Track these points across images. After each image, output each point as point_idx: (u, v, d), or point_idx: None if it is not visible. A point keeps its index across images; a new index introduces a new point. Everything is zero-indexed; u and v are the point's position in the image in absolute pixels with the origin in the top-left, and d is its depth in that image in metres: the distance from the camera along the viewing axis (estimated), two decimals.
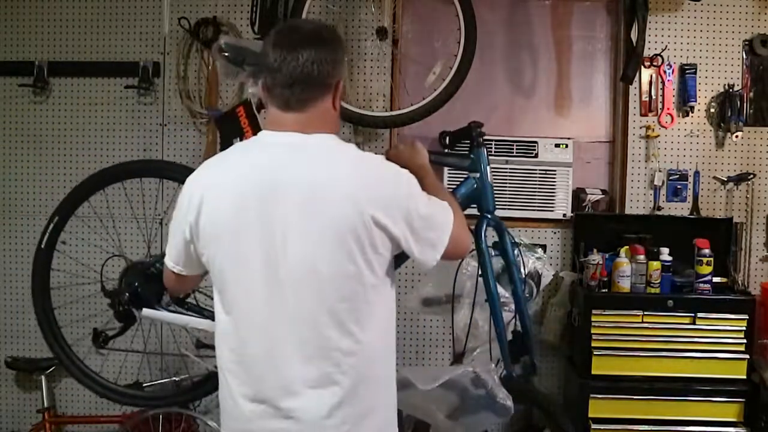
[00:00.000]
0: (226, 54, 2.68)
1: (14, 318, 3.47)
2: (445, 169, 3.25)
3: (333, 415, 1.65)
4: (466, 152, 2.54)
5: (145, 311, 2.58)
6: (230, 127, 2.71)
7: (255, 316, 1.66)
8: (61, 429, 3.43)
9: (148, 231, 3.05)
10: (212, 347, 2.72)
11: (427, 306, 2.87)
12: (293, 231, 1.61)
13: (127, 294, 2.60)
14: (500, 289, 2.60)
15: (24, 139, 3.46)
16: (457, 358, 2.77)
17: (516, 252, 2.66)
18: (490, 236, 2.55)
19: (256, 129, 2.68)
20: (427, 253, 1.71)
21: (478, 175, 2.49)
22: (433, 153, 2.77)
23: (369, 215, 1.60)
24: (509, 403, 2.39)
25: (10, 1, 3.43)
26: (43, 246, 2.73)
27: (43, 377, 3.30)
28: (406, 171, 1.73)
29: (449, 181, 3.26)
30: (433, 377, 2.38)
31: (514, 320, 2.59)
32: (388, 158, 1.84)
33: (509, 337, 2.58)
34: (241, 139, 2.68)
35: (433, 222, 1.71)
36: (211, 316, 2.62)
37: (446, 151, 2.65)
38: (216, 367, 2.62)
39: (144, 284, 2.60)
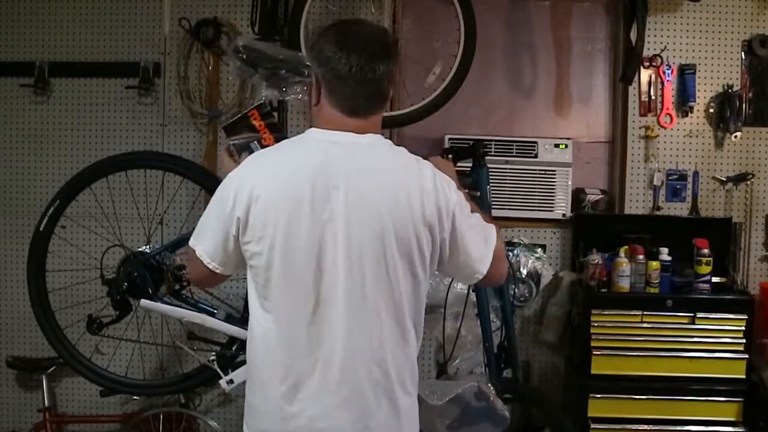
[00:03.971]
0: (242, 56, 2.70)
1: (15, 318, 3.48)
2: None
3: None
4: (468, 170, 2.57)
5: (143, 302, 2.61)
6: (244, 132, 2.72)
7: (302, 314, 1.65)
8: (61, 428, 3.43)
9: (149, 222, 3.07)
10: (204, 340, 2.76)
11: None
12: (345, 228, 1.63)
13: (125, 283, 2.63)
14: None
15: (25, 139, 3.47)
16: (442, 367, 2.80)
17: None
18: None
19: (273, 130, 2.71)
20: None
21: (478, 193, 2.52)
22: None
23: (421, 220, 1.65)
24: (506, 414, 2.44)
25: (11, 1, 3.44)
26: (41, 228, 2.76)
27: (44, 377, 3.31)
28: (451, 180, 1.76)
29: None
30: (441, 392, 2.44)
31: (500, 335, 2.63)
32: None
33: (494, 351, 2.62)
34: (259, 142, 2.71)
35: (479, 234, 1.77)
36: (204, 310, 2.66)
37: None
38: (210, 361, 2.64)
39: (143, 275, 2.63)
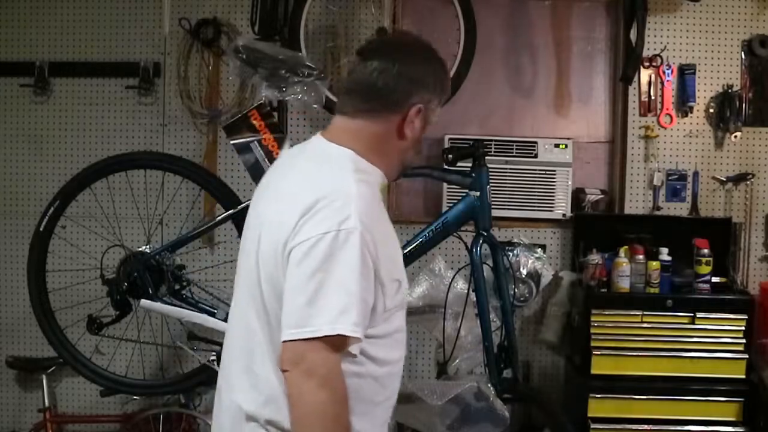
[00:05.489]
0: (242, 56, 2.71)
1: (15, 318, 3.47)
2: (444, 185, 3.27)
3: None
4: (468, 170, 2.58)
5: (143, 302, 2.62)
6: (244, 131, 2.74)
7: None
8: (61, 428, 3.43)
9: (149, 222, 3.07)
10: (204, 340, 2.77)
11: (408, 315, 2.91)
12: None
13: (125, 284, 2.64)
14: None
15: (25, 139, 3.47)
16: (442, 368, 2.80)
17: (507, 264, 2.72)
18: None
19: (273, 129, 2.72)
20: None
21: (478, 193, 2.52)
22: (435, 169, 2.82)
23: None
24: (506, 414, 2.45)
25: (11, 1, 3.44)
26: (41, 228, 2.77)
27: (44, 377, 3.30)
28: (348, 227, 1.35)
29: (448, 197, 3.29)
30: (441, 393, 2.45)
31: (500, 334, 2.63)
32: None
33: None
34: (259, 143, 2.73)
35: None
36: (204, 310, 2.66)
37: (448, 168, 2.71)
38: (210, 361, 2.64)
39: (143, 275, 2.64)
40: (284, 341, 1.34)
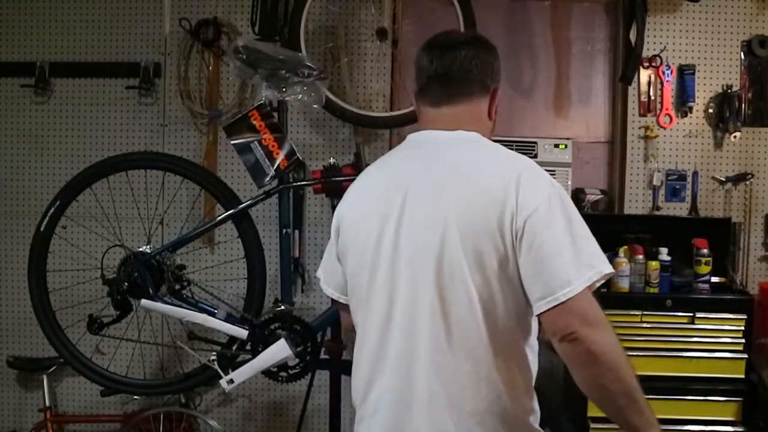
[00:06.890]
0: (242, 56, 2.71)
1: (16, 318, 3.48)
2: None
3: None
4: None
5: (144, 302, 2.62)
6: (244, 132, 2.74)
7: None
8: (62, 428, 3.43)
9: (149, 222, 3.08)
10: (204, 340, 2.77)
11: None
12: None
13: (126, 283, 2.64)
14: None
15: (25, 139, 3.47)
16: None
17: None
18: None
19: (273, 129, 2.72)
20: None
21: None
22: None
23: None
24: None
25: (11, 1, 3.44)
26: (42, 229, 2.77)
27: (44, 376, 3.31)
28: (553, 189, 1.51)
29: None
30: None
31: None
32: None
33: None
34: (259, 143, 2.72)
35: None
36: (205, 310, 2.66)
37: None
38: (210, 360, 2.65)
39: (144, 275, 2.64)
40: (555, 306, 1.46)
